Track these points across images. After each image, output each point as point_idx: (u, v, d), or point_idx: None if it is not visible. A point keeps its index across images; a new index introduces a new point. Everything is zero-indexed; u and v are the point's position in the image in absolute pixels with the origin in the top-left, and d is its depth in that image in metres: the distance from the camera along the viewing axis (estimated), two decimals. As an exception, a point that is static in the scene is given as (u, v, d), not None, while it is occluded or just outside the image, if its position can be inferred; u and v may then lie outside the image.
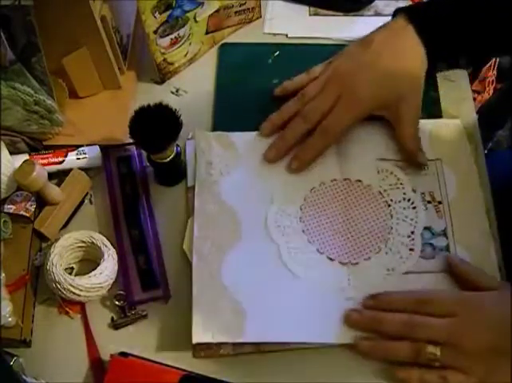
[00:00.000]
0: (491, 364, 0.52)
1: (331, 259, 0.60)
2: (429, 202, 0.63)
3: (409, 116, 0.64)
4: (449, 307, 0.54)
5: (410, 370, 0.54)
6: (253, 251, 0.61)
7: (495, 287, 0.56)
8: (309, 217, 0.63)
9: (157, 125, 0.60)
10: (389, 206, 0.63)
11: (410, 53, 0.64)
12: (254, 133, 0.68)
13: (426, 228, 0.62)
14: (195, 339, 0.56)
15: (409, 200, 0.63)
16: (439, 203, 0.63)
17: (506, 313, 0.52)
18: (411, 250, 0.61)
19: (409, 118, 0.64)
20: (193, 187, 0.65)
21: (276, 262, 0.60)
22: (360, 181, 0.65)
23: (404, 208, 0.63)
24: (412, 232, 0.62)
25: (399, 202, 0.63)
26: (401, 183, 0.64)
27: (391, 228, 0.62)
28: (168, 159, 0.63)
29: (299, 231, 0.62)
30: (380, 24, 0.74)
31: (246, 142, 0.68)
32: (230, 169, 0.66)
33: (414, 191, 0.64)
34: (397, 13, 0.66)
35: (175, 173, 0.68)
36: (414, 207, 0.63)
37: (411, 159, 0.64)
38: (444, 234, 0.62)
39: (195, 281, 0.59)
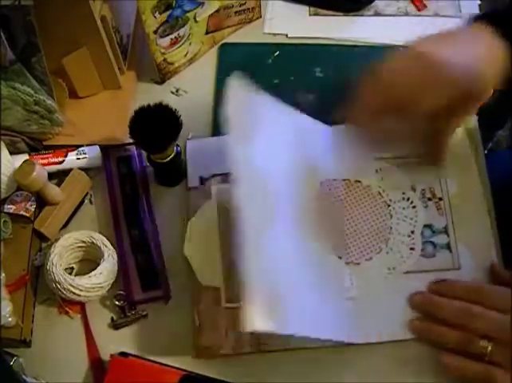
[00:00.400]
0: None
1: (340, 258, 0.61)
2: (429, 199, 0.63)
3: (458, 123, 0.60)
4: (508, 302, 0.53)
5: (455, 357, 0.54)
6: (282, 241, 0.57)
7: None
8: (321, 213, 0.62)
9: (157, 125, 0.60)
10: (389, 206, 0.63)
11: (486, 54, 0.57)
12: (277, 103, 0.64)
13: (426, 226, 0.62)
14: (249, 327, 0.49)
15: (408, 199, 0.63)
16: (440, 199, 0.63)
17: None
18: (411, 249, 0.61)
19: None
20: (193, 188, 0.65)
21: (298, 256, 0.58)
22: (359, 182, 0.65)
23: (404, 208, 0.63)
24: (412, 231, 0.62)
25: (399, 201, 0.63)
26: (400, 183, 0.64)
27: (391, 228, 0.62)
28: (168, 159, 0.63)
29: (313, 225, 0.61)
30: (380, 24, 0.75)
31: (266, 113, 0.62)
32: (259, 131, 0.60)
33: (413, 189, 0.64)
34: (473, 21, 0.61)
35: (175, 173, 0.68)
36: (414, 207, 0.63)
37: (435, 159, 0.63)
38: (445, 231, 0.62)
39: (248, 263, 0.52)
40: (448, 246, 0.61)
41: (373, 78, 0.58)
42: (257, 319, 0.49)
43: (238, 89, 0.61)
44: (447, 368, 0.54)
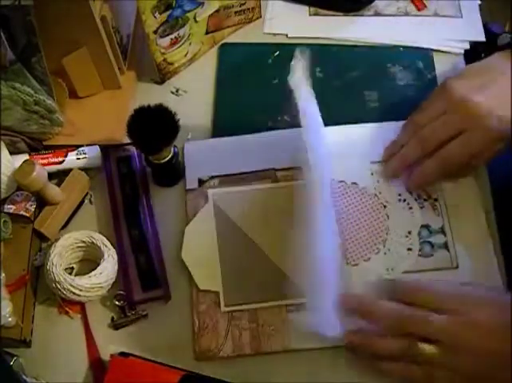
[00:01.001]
0: (482, 367, 0.50)
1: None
2: (425, 199, 0.64)
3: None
4: (446, 302, 0.53)
5: (395, 363, 0.53)
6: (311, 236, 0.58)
7: None
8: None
9: (154, 127, 0.60)
10: (385, 207, 0.63)
11: None
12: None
13: (424, 226, 0.62)
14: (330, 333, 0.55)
15: (405, 201, 0.64)
16: (435, 200, 0.64)
17: (506, 318, 0.51)
18: (409, 249, 0.61)
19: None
20: (191, 190, 0.65)
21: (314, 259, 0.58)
22: (355, 183, 0.65)
23: (400, 209, 0.63)
24: (409, 232, 0.62)
25: (395, 203, 0.63)
26: (396, 185, 0.64)
27: (389, 229, 0.62)
28: (165, 161, 0.63)
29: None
30: (380, 24, 0.75)
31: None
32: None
33: (409, 191, 0.64)
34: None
35: (171, 174, 0.67)
36: (410, 208, 0.63)
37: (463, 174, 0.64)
38: (442, 231, 0.62)
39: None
40: (446, 246, 0.61)
41: (413, 128, 0.63)
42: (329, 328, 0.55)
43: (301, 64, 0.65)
44: (387, 374, 0.54)
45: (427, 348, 0.51)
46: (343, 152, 0.66)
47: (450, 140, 0.59)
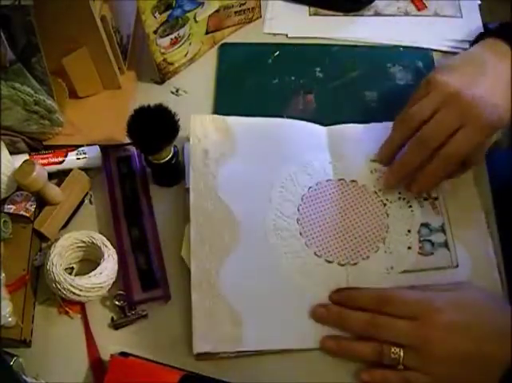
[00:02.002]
0: (454, 368, 0.52)
1: (329, 262, 0.60)
2: (425, 198, 0.64)
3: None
4: (410, 308, 0.54)
5: (372, 372, 0.55)
6: (251, 257, 0.60)
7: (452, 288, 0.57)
8: (306, 219, 0.63)
9: (154, 127, 0.60)
10: (385, 205, 0.63)
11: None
12: (251, 119, 0.68)
13: (423, 225, 0.62)
14: (196, 349, 0.56)
15: (404, 199, 0.64)
16: (435, 198, 0.64)
17: (471, 314, 0.53)
18: (408, 248, 0.61)
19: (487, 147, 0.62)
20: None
21: (273, 269, 0.60)
22: (354, 181, 0.65)
23: (400, 207, 0.63)
24: (409, 230, 0.62)
25: (395, 201, 0.63)
26: None
27: (388, 227, 0.62)
28: (165, 161, 0.63)
29: (296, 234, 0.62)
30: (380, 24, 0.75)
31: (244, 128, 0.67)
32: (226, 158, 0.65)
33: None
34: (482, 36, 0.66)
35: (171, 174, 0.67)
36: (410, 206, 0.63)
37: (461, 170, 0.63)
38: (442, 229, 0.62)
39: (194, 289, 0.58)
40: (446, 245, 0.61)
41: (408, 125, 0.61)
42: (199, 342, 0.56)
43: (200, 125, 0.66)
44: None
45: (398, 350, 0.53)
46: (343, 150, 0.66)
47: (448, 138, 0.58)
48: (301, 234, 0.62)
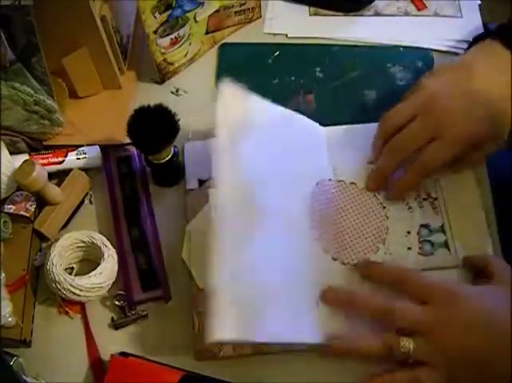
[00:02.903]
0: (465, 365, 0.50)
1: (334, 259, 0.60)
2: (425, 199, 0.64)
3: (491, 150, 0.61)
4: (423, 290, 0.53)
5: (382, 376, 0.53)
6: (266, 246, 0.57)
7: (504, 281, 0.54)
8: (317, 214, 0.62)
9: (154, 127, 0.60)
10: (384, 208, 0.63)
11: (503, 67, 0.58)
12: (270, 106, 0.65)
13: (423, 225, 0.62)
14: (212, 338, 0.50)
15: (403, 201, 0.63)
16: (435, 199, 0.64)
17: (487, 312, 0.51)
18: (408, 248, 0.61)
19: (490, 151, 0.61)
20: (191, 190, 0.65)
21: (285, 260, 0.58)
22: (354, 183, 0.65)
23: (399, 209, 0.63)
24: (409, 232, 0.62)
25: (394, 204, 0.63)
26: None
27: (388, 229, 0.62)
28: (165, 161, 0.63)
29: (307, 227, 0.61)
30: (380, 24, 0.75)
31: (262, 112, 0.64)
32: (247, 136, 0.61)
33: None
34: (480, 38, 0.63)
35: (171, 174, 0.67)
36: (409, 208, 0.63)
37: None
38: (442, 230, 0.62)
39: (219, 275, 0.53)
40: (446, 245, 0.61)
41: (384, 129, 0.61)
42: (219, 330, 0.50)
43: (229, 94, 0.62)
44: None
45: (408, 342, 0.51)
46: (342, 151, 0.66)
47: (422, 147, 0.57)
48: (312, 227, 0.61)
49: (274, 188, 0.61)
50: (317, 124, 0.69)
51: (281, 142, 0.64)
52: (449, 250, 0.61)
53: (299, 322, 0.56)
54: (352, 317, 0.56)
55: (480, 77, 0.58)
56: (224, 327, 0.51)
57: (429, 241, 0.61)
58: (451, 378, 0.51)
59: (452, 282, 0.56)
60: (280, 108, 0.66)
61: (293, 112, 0.68)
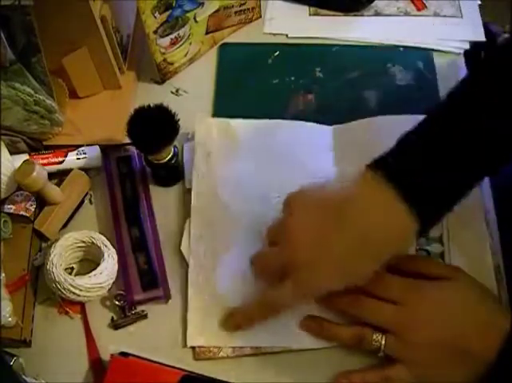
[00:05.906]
0: (434, 360, 0.51)
1: None
2: None
3: None
4: (396, 292, 0.53)
5: (351, 374, 0.54)
6: (247, 257, 0.59)
7: (446, 276, 0.54)
8: None
9: (154, 127, 0.60)
10: None
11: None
12: (255, 122, 0.68)
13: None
14: (189, 343, 0.57)
15: None
16: None
17: (456, 307, 0.52)
18: None
19: None
20: (191, 190, 0.65)
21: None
22: None
23: None
24: None
25: None
26: None
27: None
28: (164, 161, 0.63)
29: None
30: (380, 24, 0.75)
31: (247, 130, 0.67)
32: (229, 161, 0.65)
33: None
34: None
35: (171, 174, 0.67)
36: None
37: None
38: (440, 240, 0.61)
39: (191, 284, 0.59)
40: (442, 256, 0.60)
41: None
42: (192, 336, 0.57)
43: (205, 128, 0.67)
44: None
45: (380, 337, 0.52)
46: (347, 152, 0.66)
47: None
48: None
49: (255, 199, 0.63)
50: (320, 126, 0.68)
51: (274, 152, 0.66)
52: (444, 261, 0.60)
53: (274, 326, 0.57)
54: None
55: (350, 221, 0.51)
56: (197, 334, 0.57)
57: (426, 250, 0.61)
58: (421, 375, 0.52)
59: (413, 280, 0.55)
60: (271, 121, 0.69)
61: (290, 121, 0.69)
